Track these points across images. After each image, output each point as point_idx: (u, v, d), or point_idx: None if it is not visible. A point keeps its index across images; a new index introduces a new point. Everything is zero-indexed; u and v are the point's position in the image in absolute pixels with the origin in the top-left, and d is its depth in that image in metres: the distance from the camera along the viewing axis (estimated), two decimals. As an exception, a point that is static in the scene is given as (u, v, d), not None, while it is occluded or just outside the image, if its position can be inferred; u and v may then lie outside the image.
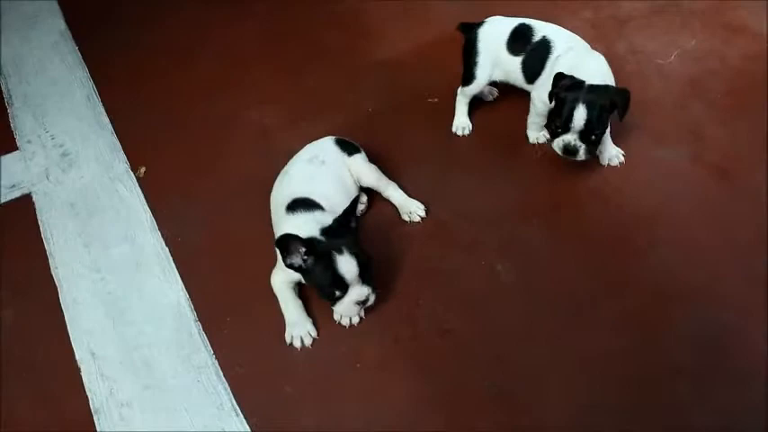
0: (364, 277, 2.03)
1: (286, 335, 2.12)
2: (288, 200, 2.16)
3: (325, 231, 2.03)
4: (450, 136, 2.71)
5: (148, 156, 2.70)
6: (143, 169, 2.62)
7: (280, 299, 2.18)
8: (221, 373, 2.06)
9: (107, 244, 2.42)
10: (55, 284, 2.32)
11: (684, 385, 1.96)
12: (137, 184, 2.59)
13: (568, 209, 2.44)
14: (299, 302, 2.18)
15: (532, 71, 2.50)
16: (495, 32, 2.56)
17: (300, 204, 2.14)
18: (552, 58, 2.46)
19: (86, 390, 2.06)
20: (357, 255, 2.00)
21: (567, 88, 2.30)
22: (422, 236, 2.39)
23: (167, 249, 2.38)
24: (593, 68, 2.37)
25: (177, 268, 2.32)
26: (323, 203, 2.16)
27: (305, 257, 1.99)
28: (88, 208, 2.54)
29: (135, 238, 2.42)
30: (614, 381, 1.98)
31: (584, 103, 2.26)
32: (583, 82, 2.29)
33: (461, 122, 2.71)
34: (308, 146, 2.40)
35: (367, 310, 2.16)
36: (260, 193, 2.39)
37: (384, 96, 2.90)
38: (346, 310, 2.07)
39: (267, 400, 2.01)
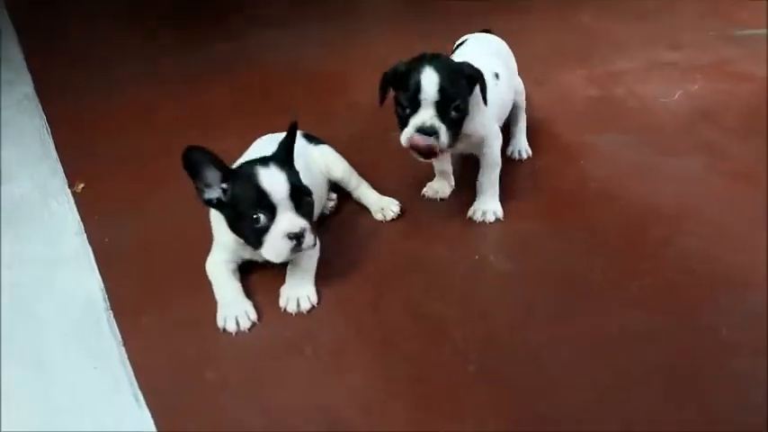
0: (299, 206, 1.62)
1: (218, 317, 1.66)
2: None
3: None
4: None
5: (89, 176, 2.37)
6: (81, 185, 2.29)
7: (213, 280, 1.76)
8: (126, 360, 1.57)
9: (24, 242, 2.04)
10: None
11: (743, 362, 1.46)
12: (71, 198, 2.24)
13: (572, 207, 2.06)
14: (237, 283, 1.76)
15: None
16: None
17: None
18: None
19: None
20: (288, 173, 1.62)
21: (405, 65, 1.83)
22: (399, 233, 2.00)
23: (90, 248, 1.97)
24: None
25: (97, 264, 1.91)
26: None
27: (223, 186, 1.62)
28: (13, 216, 2.18)
29: (57, 240, 2.03)
30: (642, 362, 1.50)
31: (431, 66, 1.77)
32: (424, 55, 1.84)
33: None
34: (268, 135, 2.05)
35: (322, 295, 1.72)
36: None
37: (351, 130, 2.60)
38: (276, 249, 1.60)
39: (180, 386, 1.50)
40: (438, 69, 1.75)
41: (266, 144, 1.92)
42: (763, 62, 2.98)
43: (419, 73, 1.75)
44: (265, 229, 1.60)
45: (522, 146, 2.34)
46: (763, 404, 1.36)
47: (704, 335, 1.55)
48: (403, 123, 1.80)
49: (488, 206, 2.02)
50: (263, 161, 1.65)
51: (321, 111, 2.76)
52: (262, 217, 1.59)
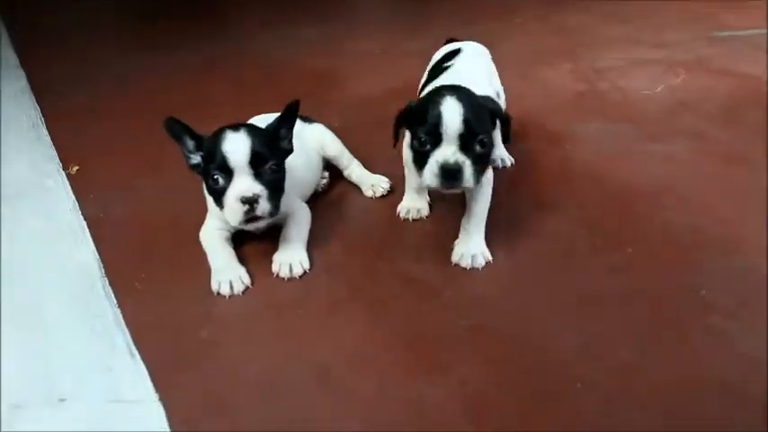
0: (259, 173, 1.64)
1: (212, 281, 1.69)
2: None
3: None
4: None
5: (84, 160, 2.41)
6: (76, 167, 2.32)
7: (206, 246, 1.80)
8: (121, 320, 1.60)
9: (22, 218, 2.08)
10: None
11: (720, 320, 1.51)
12: (66, 178, 2.27)
13: (558, 185, 2.12)
14: (230, 250, 1.79)
15: None
16: (444, 49, 2.25)
17: None
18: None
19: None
20: (255, 140, 1.64)
21: (424, 98, 1.71)
22: (389, 208, 2.04)
23: (84, 222, 2.01)
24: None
25: (92, 236, 1.94)
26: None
27: (201, 153, 1.69)
28: (11, 196, 2.21)
29: (52, 216, 2.07)
30: (624, 319, 1.55)
31: (454, 98, 1.60)
32: (444, 87, 1.71)
33: None
34: (261, 116, 2.07)
35: (314, 263, 1.76)
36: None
37: (344, 117, 2.63)
38: (232, 211, 1.63)
39: (175, 344, 1.53)
40: (461, 102, 1.59)
41: (258, 123, 1.97)
42: (741, 60, 3.07)
43: (440, 105, 1.58)
44: (223, 191, 1.64)
45: (503, 154, 2.25)
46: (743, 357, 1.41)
47: (683, 295, 1.60)
48: (422, 159, 1.62)
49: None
50: (236, 127, 1.68)
51: (315, 101, 2.80)
52: (219, 179, 1.64)
